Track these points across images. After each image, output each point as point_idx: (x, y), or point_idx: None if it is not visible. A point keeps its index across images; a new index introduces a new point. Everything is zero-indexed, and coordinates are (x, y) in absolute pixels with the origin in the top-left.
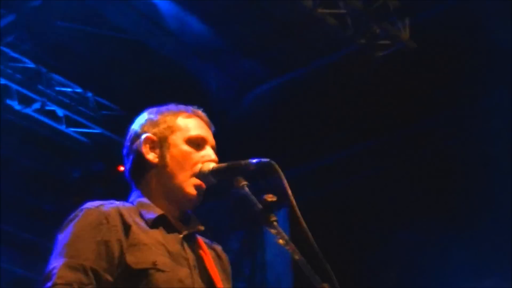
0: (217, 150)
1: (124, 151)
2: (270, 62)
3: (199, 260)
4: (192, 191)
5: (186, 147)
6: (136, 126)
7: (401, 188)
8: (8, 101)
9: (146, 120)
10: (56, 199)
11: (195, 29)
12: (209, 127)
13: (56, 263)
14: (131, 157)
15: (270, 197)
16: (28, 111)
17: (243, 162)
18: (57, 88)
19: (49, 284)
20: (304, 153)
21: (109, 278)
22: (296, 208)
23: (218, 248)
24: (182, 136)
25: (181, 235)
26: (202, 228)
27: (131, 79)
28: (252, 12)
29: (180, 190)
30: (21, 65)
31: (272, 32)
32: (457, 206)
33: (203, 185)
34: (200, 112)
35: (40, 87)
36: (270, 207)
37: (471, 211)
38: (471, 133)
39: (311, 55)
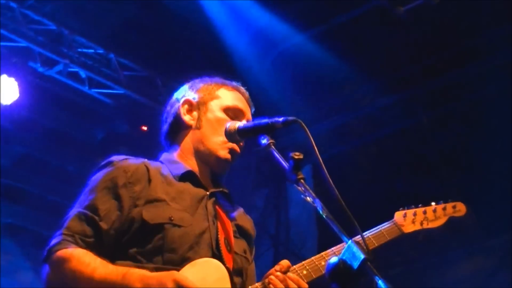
0: None
1: (164, 115)
2: (292, 18)
3: (219, 217)
4: (225, 155)
5: (221, 114)
6: (178, 92)
7: (428, 140)
8: (31, 64)
9: (189, 87)
10: (80, 160)
11: None
12: (249, 105)
13: (72, 212)
14: (168, 120)
15: (297, 155)
16: (51, 73)
17: (269, 120)
18: (79, 50)
19: (59, 231)
20: (326, 110)
21: (112, 232)
22: (323, 165)
23: (242, 209)
24: (220, 104)
25: (207, 192)
26: (226, 190)
27: (153, 39)
28: None
29: (212, 153)
30: (43, 27)
31: None
32: None
33: (237, 150)
34: (242, 89)
35: (62, 49)
36: (297, 165)
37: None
38: (496, 85)
39: (333, 11)
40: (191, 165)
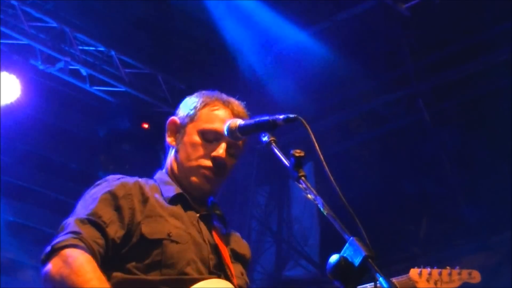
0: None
1: None
2: (295, 15)
3: (212, 237)
4: (196, 180)
5: (196, 138)
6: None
7: (430, 137)
8: (32, 61)
9: (182, 104)
10: (82, 158)
11: None
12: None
13: (71, 219)
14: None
15: (298, 152)
16: (52, 70)
17: (270, 117)
18: (81, 47)
19: (61, 233)
20: (328, 107)
21: (117, 240)
22: (324, 162)
23: (237, 234)
24: (197, 127)
25: (198, 214)
26: (219, 212)
27: (154, 37)
28: None
29: (185, 177)
30: (44, 25)
31: None
32: None
33: (210, 175)
34: (235, 105)
35: (63, 46)
36: (298, 162)
37: None
38: (500, 82)
39: (335, 8)
40: (180, 186)
